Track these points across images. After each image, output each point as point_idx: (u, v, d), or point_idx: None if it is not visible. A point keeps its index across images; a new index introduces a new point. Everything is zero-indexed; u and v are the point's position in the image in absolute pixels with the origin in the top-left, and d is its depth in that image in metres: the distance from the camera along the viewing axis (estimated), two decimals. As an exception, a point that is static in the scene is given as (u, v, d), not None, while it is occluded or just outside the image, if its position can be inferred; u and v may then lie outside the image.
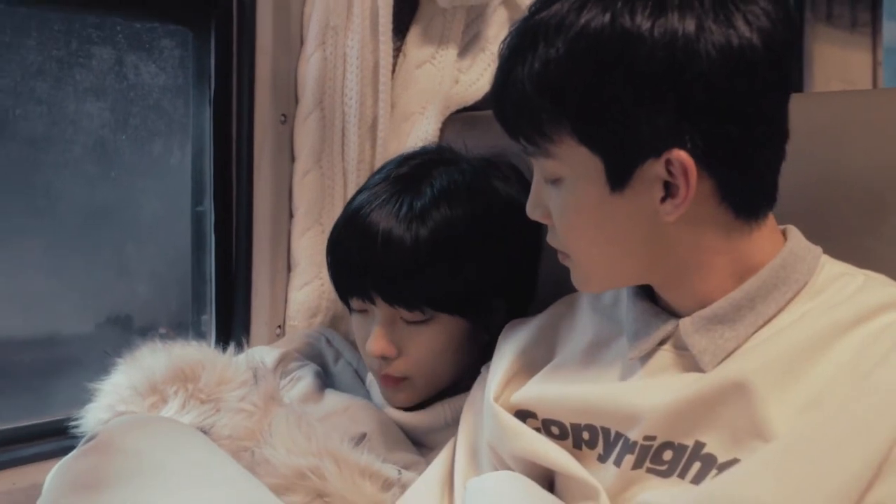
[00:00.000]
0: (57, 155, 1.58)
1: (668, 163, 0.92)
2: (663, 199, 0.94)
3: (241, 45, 1.63)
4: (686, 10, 0.89)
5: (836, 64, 3.19)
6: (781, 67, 0.94)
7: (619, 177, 0.95)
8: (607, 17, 0.90)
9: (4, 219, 1.55)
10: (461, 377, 1.32)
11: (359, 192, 1.36)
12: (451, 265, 1.27)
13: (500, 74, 0.99)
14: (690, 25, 0.89)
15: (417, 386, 1.33)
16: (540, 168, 1.02)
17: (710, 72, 0.89)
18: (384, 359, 1.31)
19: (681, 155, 0.91)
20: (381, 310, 1.30)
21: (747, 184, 0.96)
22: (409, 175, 1.33)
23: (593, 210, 0.98)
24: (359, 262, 1.29)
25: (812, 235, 1.03)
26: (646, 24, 0.89)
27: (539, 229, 1.12)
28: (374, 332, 1.30)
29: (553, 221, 1.03)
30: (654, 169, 0.93)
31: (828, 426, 0.88)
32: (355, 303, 1.34)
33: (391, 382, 1.33)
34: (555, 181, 1.00)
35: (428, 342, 1.30)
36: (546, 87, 0.95)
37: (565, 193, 0.99)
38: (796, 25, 1.00)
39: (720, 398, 0.94)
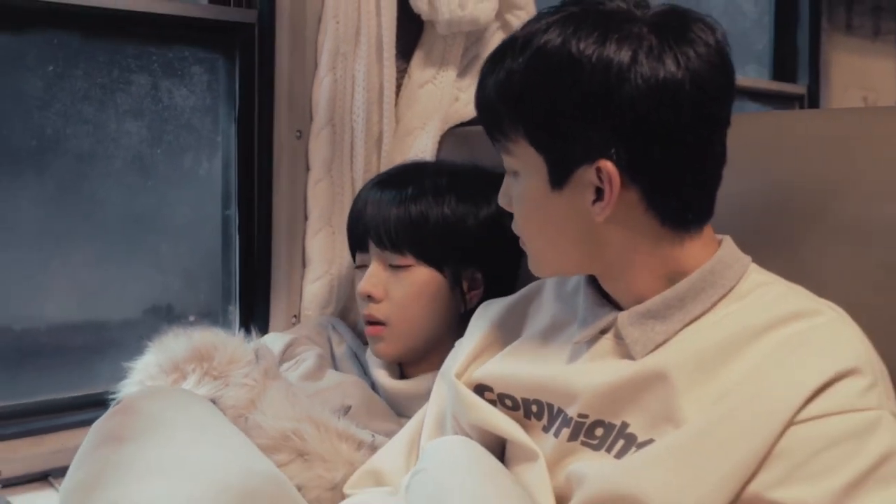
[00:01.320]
0: (101, 168, 1.70)
1: (598, 170, 1.02)
2: (594, 202, 1.04)
3: (261, 69, 1.76)
4: (624, 43, 1.00)
5: (855, 73, 3.19)
6: (710, 105, 1.03)
7: (557, 177, 1.05)
8: (559, 40, 1.02)
9: (59, 222, 1.69)
10: (439, 347, 1.47)
11: None
12: (428, 232, 1.49)
13: (479, 81, 1.12)
14: (625, 57, 0.99)
15: (395, 334, 1.51)
16: (505, 163, 1.13)
17: (637, 97, 0.99)
18: (370, 299, 1.50)
19: (607, 165, 1.01)
20: (373, 256, 1.51)
21: (671, 198, 1.05)
22: (408, 169, 1.60)
23: (538, 203, 1.09)
24: (359, 217, 1.53)
25: (747, 243, 1.12)
26: (588, 51, 1.00)
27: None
28: (365, 275, 1.51)
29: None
30: (587, 175, 1.03)
31: (726, 420, 0.97)
32: (358, 257, 1.56)
33: (374, 329, 1.51)
34: (514, 174, 1.12)
35: (408, 287, 1.50)
36: (506, 95, 1.06)
37: (520, 186, 1.11)
38: (731, 72, 1.06)
39: (644, 385, 1.04)
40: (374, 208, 1.51)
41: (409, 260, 1.50)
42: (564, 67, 1.01)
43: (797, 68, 3.13)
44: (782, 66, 3.13)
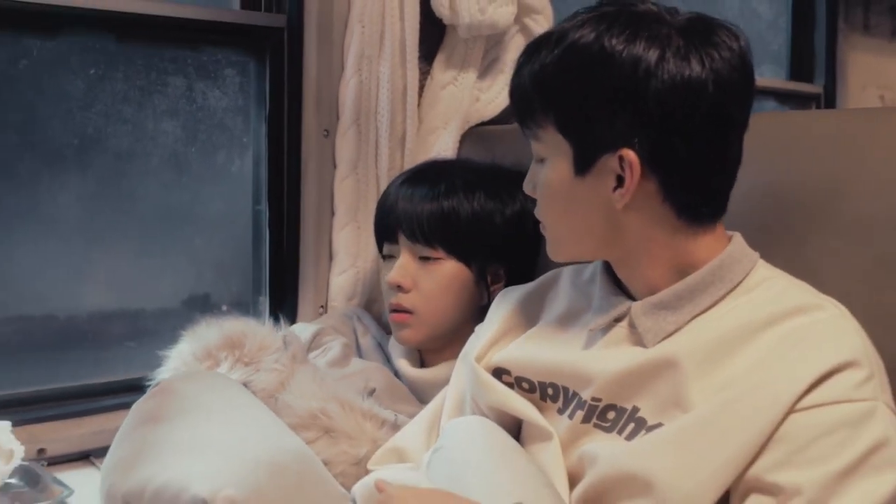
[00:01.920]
0: (139, 165, 1.78)
1: (621, 159, 1.07)
2: (615, 189, 1.09)
3: (290, 71, 1.83)
4: (653, 42, 1.06)
5: (872, 72, 3.21)
6: (730, 106, 1.08)
7: (582, 164, 1.10)
8: (592, 36, 1.08)
9: (100, 217, 1.76)
10: (459, 336, 1.49)
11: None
12: (459, 227, 1.54)
13: (515, 70, 1.17)
14: (653, 55, 1.05)
15: (421, 322, 1.56)
16: (533, 149, 1.18)
17: (662, 93, 1.05)
18: (399, 289, 1.55)
19: (629, 153, 1.07)
20: (403, 248, 1.57)
21: (687, 190, 1.10)
22: (437, 165, 1.66)
23: (562, 189, 1.13)
24: (390, 210, 1.58)
25: (755, 239, 1.15)
26: (619, 47, 1.06)
27: (537, 227, 1.27)
28: (395, 266, 1.56)
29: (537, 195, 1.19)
30: (610, 162, 1.08)
31: (731, 408, 1.02)
32: (386, 248, 1.61)
33: (400, 316, 1.57)
34: (541, 160, 1.17)
35: (437, 279, 1.56)
36: (539, 84, 1.12)
37: (546, 171, 1.15)
38: (751, 76, 1.11)
39: (655, 371, 1.09)
40: (407, 203, 1.56)
41: (438, 253, 1.55)
42: (596, 61, 1.07)
43: (814, 68, 3.16)
44: (799, 67, 3.16)
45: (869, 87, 3.21)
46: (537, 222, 1.22)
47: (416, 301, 1.56)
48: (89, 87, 1.70)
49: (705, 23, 1.11)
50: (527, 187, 1.22)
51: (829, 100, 3.11)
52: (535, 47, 1.14)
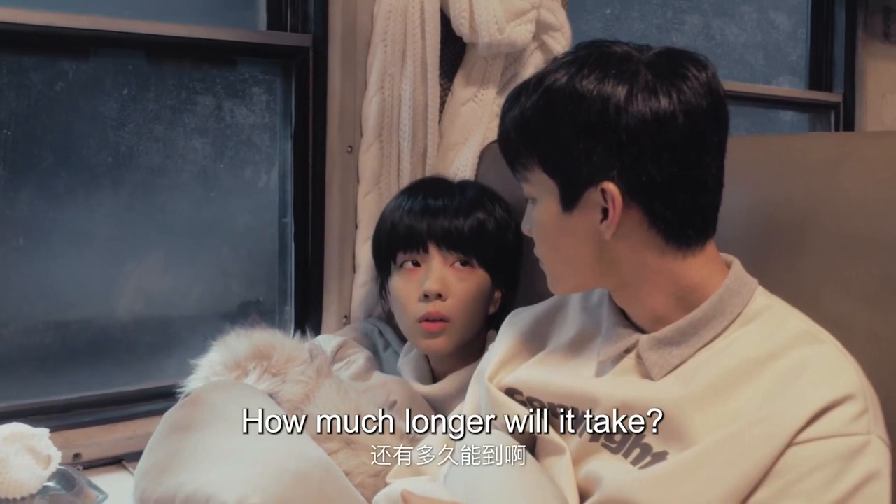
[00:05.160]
0: (170, 181, 1.82)
1: (603, 192, 1.11)
2: (602, 221, 1.13)
3: (315, 89, 1.86)
4: (621, 80, 1.10)
5: (893, 79, 3.21)
6: (701, 133, 1.11)
7: (568, 200, 1.15)
8: (565, 79, 1.13)
9: (133, 230, 1.81)
10: (469, 345, 1.59)
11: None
12: (490, 238, 1.60)
13: (500, 117, 1.23)
14: (622, 91, 1.09)
15: (455, 330, 1.59)
16: (525, 191, 1.22)
17: (632, 126, 1.09)
18: (439, 297, 1.58)
19: (610, 186, 1.11)
20: (435, 258, 1.59)
21: (670, 215, 1.13)
22: (448, 181, 1.71)
23: (553, 225, 1.18)
24: (417, 221, 1.60)
25: (755, 261, 1.20)
26: (589, 87, 1.11)
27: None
28: (430, 277, 1.58)
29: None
30: (594, 196, 1.12)
31: (733, 441, 1.05)
32: (404, 257, 1.62)
33: (436, 325, 1.59)
34: (533, 201, 1.21)
35: (470, 287, 1.60)
36: (520, 128, 1.17)
37: (537, 210, 1.20)
38: (721, 103, 1.14)
39: (660, 403, 1.12)
40: (440, 215, 1.60)
41: (471, 261, 1.60)
42: (569, 102, 1.12)
43: (832, 77, 3.16)
44: (818, 76, 3.17)
45: (889, 94, 3.20)
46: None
47: (451, 308, 1.58)
48: (122, 107, 1.75)
49: (672, 56, 1.15)
50: (524, 228, 1.26)
51: (848, 108, 3.12)
52: (517, 94, 1.19)
